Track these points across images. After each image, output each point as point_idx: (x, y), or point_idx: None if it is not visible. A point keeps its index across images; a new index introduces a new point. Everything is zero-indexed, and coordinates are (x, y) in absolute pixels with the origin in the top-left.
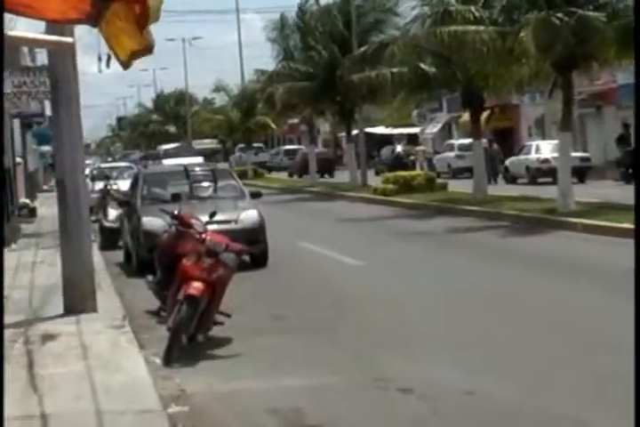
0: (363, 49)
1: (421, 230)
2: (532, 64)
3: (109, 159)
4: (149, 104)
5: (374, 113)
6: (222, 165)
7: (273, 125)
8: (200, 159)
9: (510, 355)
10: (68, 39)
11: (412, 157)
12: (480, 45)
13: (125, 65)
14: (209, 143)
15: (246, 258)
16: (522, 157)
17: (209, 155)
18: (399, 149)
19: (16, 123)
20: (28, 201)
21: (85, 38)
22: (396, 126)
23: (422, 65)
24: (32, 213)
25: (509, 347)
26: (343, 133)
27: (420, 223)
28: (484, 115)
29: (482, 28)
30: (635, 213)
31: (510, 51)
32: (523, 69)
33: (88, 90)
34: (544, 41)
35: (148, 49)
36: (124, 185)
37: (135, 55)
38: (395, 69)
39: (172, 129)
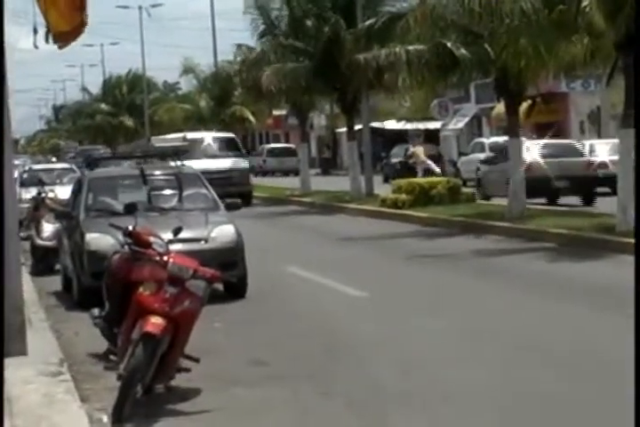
0: (369, 21)
1: (441, 253)
2: (587, 42)
3: (53, 159)
4: (95, 90)
5: (383, 103)
6: (189, 168)
7: (252, 118)
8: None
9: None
10: None
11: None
12: (521, 17)
13: (59, 42)
14: (173, 140)
15: (219, 286)
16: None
17: (172, 155)
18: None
19: None
20: None
21: (12, 3)
22: (410, 120)
23: (447, 43)
24: None
25: (553, 411)
26: (343, 129)
27: (440, 244)
28: (524, 106)
29: None
30: (635, 220)
31: (559, 24)
32: (574, 48)
33: (16, 71)
34: (610, 11)
35: (78, 30)
36: (62, 192)
37: (63, 37)
38: (411, 47)
39: (128, 122)
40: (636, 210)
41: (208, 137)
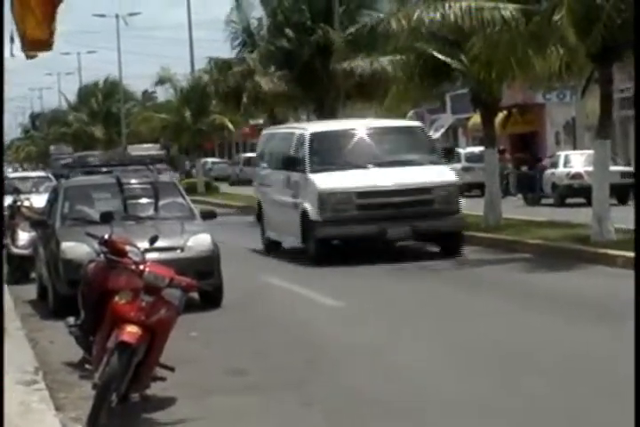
0: (351, 30)
1: (419, 263)
2: (563, 53)
3: (19, 170)
4: (72, 97)
5: (360, 113)
6: (166, 177)
7: (231, 127)
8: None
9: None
10: None
11: None
12: (502, 24)
13: (31, 52)
14: (149, 149)
15: (195, 296)
16: (547, 170)
17: (149, 164)
18: None
19: None
20: None
21: None
22: None
23: (430, 51)
24: None
25: (530, 416)
26: None
27: (417, 254)
28: (500, 117)
29: (500, 4)
30: (635, 223)
31: (534, 35)
32: (550, 60)
33: None
34: (582, 24)
35: (52, 40)
36: (38, 201)
37: (37, 46)
38: (389, 57)
39: (97, 132)
40: (636, 216)
41: (360, 128)
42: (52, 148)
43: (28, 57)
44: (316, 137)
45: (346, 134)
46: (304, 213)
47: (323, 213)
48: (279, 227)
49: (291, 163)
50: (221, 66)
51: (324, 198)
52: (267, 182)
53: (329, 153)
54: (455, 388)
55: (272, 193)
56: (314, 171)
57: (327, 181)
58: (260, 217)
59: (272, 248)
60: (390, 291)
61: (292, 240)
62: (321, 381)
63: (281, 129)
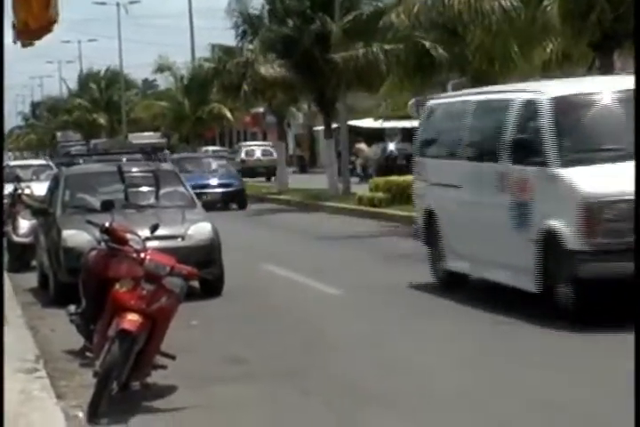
0: (349, 18)
1: (418, 252)
2: (560, 41)
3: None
4: (73, 85)
5: (361, 102)
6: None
7: (229, 115)
8: None
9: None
10: None
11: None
12: (500, 16)
13: (23, 40)
14: (150, 137)
15: (196, 284)
16: None
17: (149, 152)
18: (392, 147)
19: None
20: None
21: None
22: (388, 119)
23: (425, 42)
24: None
25: (527, 410)
26: (320, 127)
27: (416, 242)
28: None
29: None
30: (635, 219)
31: (530, 25)
32: (546, 49)
33: None
34: (574, 12)
35: (46, 28)
36: (39, 189)
37: (30, 35)
38: (388, 46)
39: (100, 119)
40: (636, 211)
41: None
42: (58, 134)
43: (25, 45)
44: (562, 105)
45: (615, 100)
46: (548, 236)
47: (591, 236)
48: (478, 253)
49: (512, 149)
50: (224, 53)
51: (594, 212)
52: (449, 181)
53: (588, 133)
54: (456, 383)
55: (463, 199)
56: (565, 163)
57: (595, 181)
58: (429, 236)
59: (452, 284)
60: (387, 280)
61: (506, 276)
62: (319, 369)
63: (474, 95)
